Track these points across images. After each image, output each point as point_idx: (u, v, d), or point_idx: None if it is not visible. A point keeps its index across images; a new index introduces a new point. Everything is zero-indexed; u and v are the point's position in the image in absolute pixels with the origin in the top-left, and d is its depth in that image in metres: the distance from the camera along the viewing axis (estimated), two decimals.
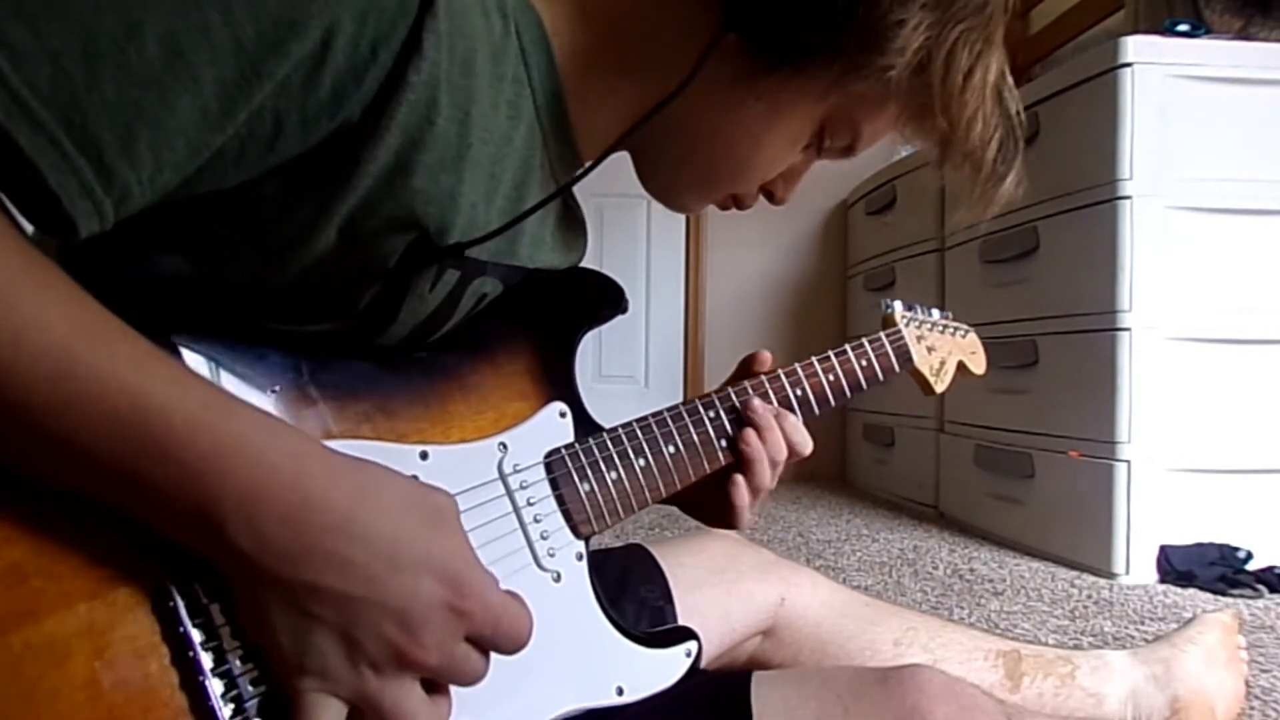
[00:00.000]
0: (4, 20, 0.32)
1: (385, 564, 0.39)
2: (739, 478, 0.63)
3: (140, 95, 0.35)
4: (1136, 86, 1.66)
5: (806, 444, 0.66)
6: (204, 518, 0.37)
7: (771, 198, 0.64)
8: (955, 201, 0.61)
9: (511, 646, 0.43)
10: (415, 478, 0.45)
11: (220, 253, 0.45)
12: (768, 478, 0.64)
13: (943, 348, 0.80)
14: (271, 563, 0.37)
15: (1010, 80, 0.56)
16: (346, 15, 0.39)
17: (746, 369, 0.70)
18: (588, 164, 0.58)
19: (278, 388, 0.46)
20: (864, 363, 0.72)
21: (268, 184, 0.42)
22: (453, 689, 0.43)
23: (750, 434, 0.63)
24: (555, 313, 0.60)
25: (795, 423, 0.66)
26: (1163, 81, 1.67)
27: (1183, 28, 1.80)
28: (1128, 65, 1.66)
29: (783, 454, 0.64)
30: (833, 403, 0.69)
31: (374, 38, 0.40)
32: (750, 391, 0.65)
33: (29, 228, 0.37)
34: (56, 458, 0.36)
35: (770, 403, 0.65)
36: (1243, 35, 1.91)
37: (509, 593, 0.44)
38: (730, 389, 0.65)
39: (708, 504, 0.65)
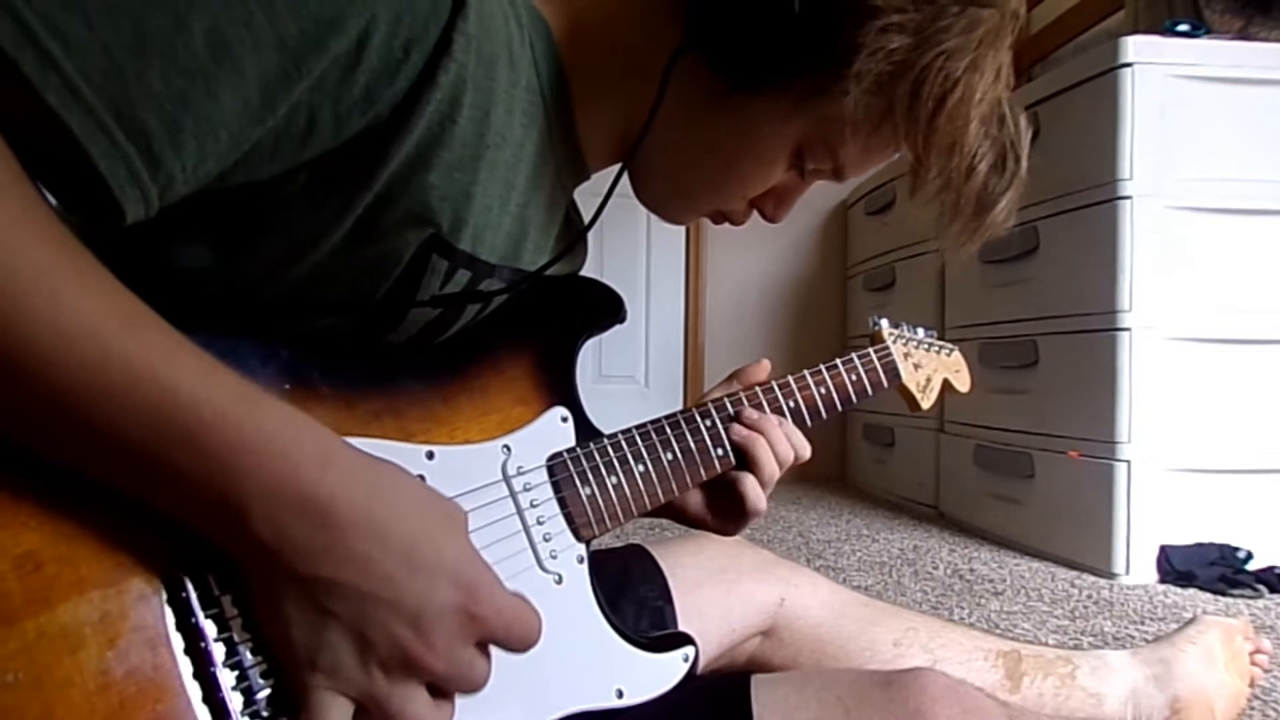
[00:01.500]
0: (57, 12, 0.33)
1: (402, 564, 0.39)
2: (748, 476, 0.64)
3: (187, 86, 0.36)
4: (1136, 86, 1.66)
5: (805, 448, 0.67)
6: (227, 510, 0.37)
7: (762, 214, 0.64)
8: (938, 229, 0.59)
9: (521, 647, 0.44)
10: (422, 477, 0.45)
11: (244, 244, 0.46)
12: (774, 468, 0.65)
13: (928, 365, 0.82)
14: (291, 557, 0.38)
15: (1010, 108, 0.54)
16: (382, 15, 0.40)
17: (737, 379, 0.71)
18: (598, 195, 0.58)
19: (288, 385, 0.46)
20: (854, 378, 0.73)
21: (297, 178, 0.43)
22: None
23: (753, 434, 0.65)
24: (557, 319, 0.61)
25: (792, 428, 0.67)
26: (1163, 81, 1.67)
27: (1183, 28, 1.80)
28: (1128, 65, 1.66)
29: (788, 451, 0.66)
30: (823, 415, 0.71)
31: (408, 37, 0.41)
32: (745, 401, 0.67)
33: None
34: (85, 444, 0.36)
35: (765, 413, 0.67)
36: (1243, 35, 1.91)
37: (516, 594, 0.44)
38: (726, 398, 0.67)
39: (713, 512, 0.68)
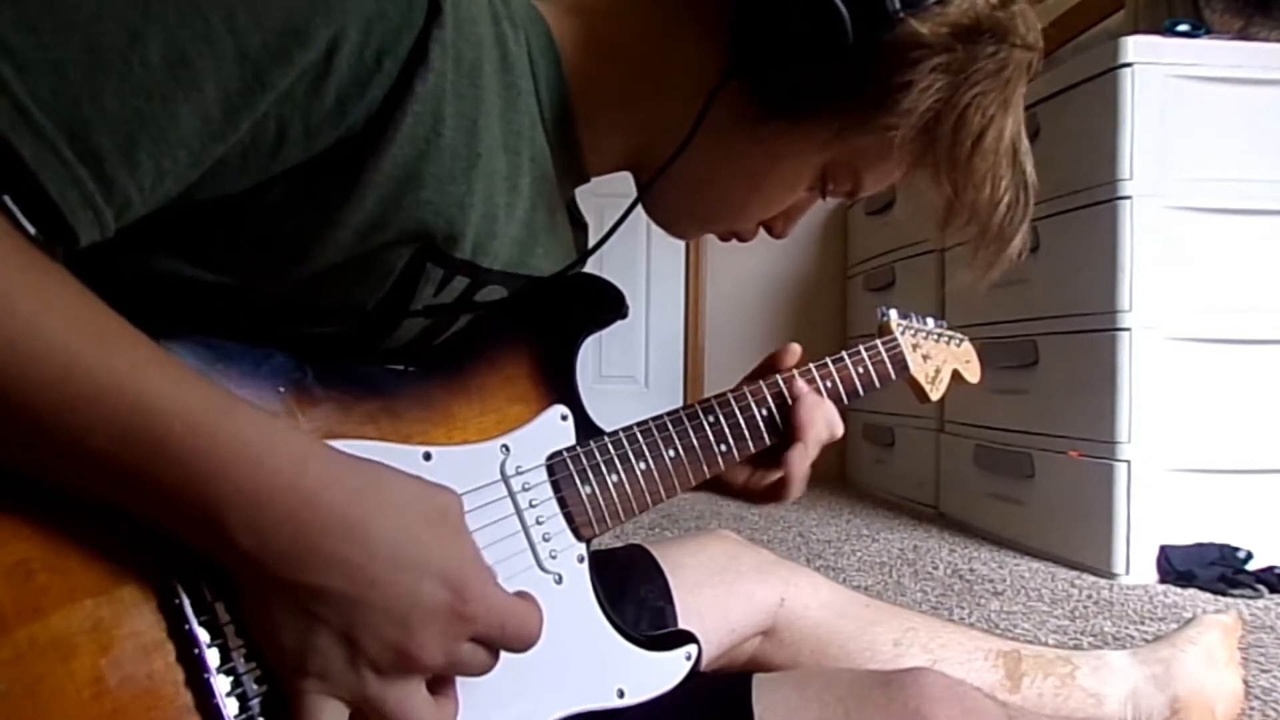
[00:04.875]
0: (7, 29, 0.32)
1: (386, 566, 0.39)
2: (798, 446, 0.64)
3: (143, 104, 0.35)
4: (1136, 86, 1.66)
5: (839, 426, 0.68)
6: (206, 519, 0.37)
7: (770, 232, 0.64)
8: (958, 263, 0.61)
9: (521, 646, 0.43)
10: (419, 478, 0.45)
11: (222, 257, 0.45)
12: (819, 443, 0.65)
13: (938, 356, 0.81)
14: (273, 563, 0.38)
15: (1026, 143, 0.55)
16: (352, 24, 0.38)
17: (770, 365, 0.70)
18: (597, 196, 0.59)
19: (283, 388, 0.46)
20: (861, 370, 0.73)
21: (271, 190, 0.42)
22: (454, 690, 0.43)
23: (801, 406, 0.65)
24: (557, 316, 0.60)
25: (830, 407, 0.67)
26: (1163, 81, 1.67)
27: (1183, 28, 1.80)
28: (1128, 65, 1.66)
29: (838, 425, 0.66)
30: None
31: (379, 47, 0.40)
32: (749, 396, 0.66)
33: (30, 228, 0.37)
34: (60, 460, 0.36)
35: (770, 408, 0.66)
36: (1243, 35, 1.91)
37: (519, 592, 0.44)
38: (730, 394, 0.66)
39: (753, 482, 0.67)
